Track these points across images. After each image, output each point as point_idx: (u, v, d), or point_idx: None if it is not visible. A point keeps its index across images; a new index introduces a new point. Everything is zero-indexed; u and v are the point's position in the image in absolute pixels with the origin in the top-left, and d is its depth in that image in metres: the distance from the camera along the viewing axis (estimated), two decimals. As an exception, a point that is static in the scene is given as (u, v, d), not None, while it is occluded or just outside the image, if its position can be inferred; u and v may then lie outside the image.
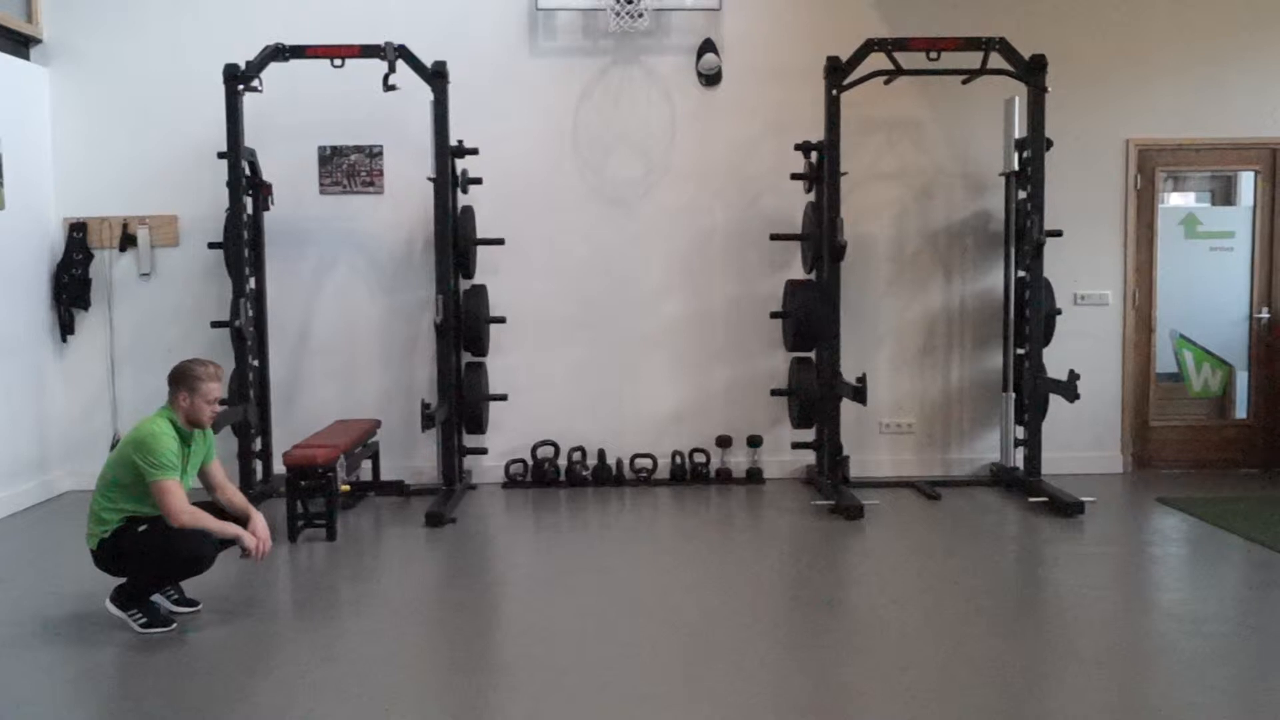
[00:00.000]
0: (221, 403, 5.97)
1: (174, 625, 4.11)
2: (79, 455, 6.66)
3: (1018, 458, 6.46)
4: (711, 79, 6.70)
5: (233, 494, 4.36)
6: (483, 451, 6.63)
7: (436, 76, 6.00)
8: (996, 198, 6.71)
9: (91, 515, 4.13)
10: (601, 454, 6.67)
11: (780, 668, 3.76)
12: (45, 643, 4.03)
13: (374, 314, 6.72)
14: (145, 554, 4.06)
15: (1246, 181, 7.09)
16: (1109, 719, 3.33)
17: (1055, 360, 6.26)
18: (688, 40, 6.68)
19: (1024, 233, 6.30)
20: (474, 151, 6.34)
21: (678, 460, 6.69)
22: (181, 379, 4.19)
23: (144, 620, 4.08)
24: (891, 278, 6.80)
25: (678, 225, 6.75)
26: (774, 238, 6.59)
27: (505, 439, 6.72)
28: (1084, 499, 5.79)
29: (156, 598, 4.20)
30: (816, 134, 6.29)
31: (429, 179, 6.09)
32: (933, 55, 6.03)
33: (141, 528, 4.08)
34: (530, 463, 6.66)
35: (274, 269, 6.60)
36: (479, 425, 6.50)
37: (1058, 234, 6.32)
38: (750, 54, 6.69)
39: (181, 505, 4.02)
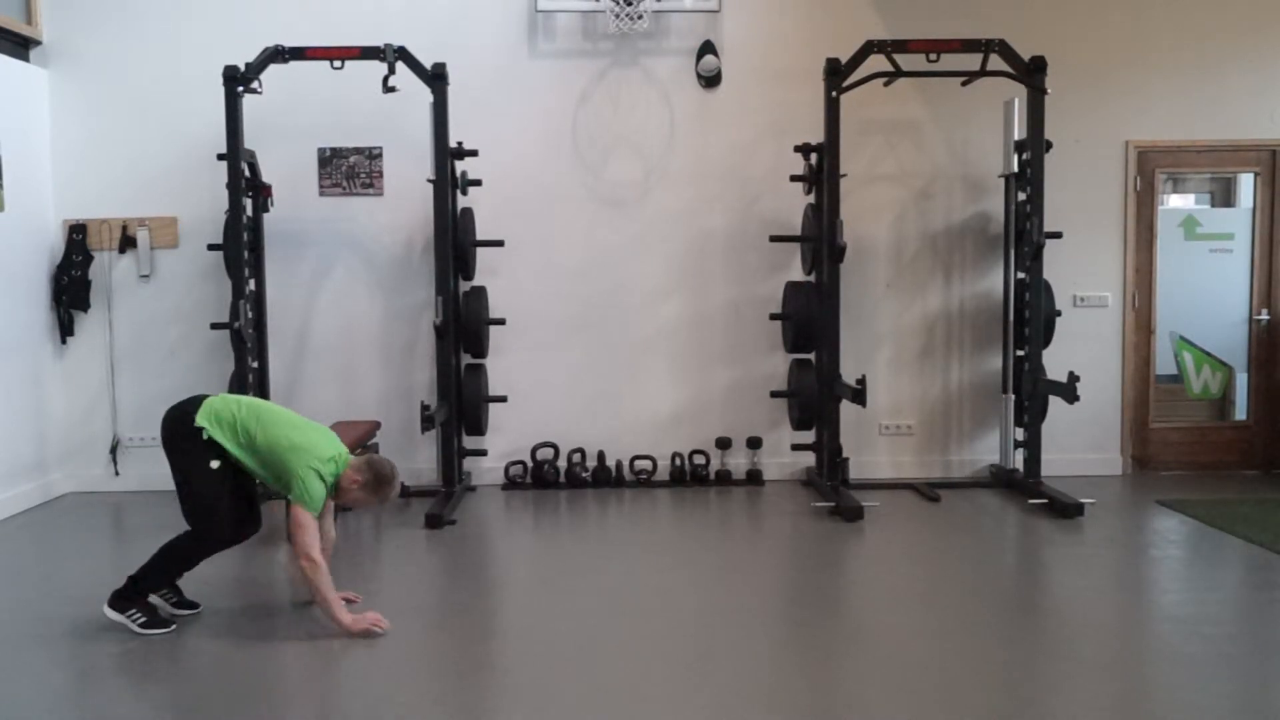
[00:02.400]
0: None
1: (174, 626, 4.11)
2: (78, 457, 6.67)
3: (1017, 459, 6.46)
4: (711, 80, 6.70)
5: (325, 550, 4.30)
6: (482, 453, 6.63)
7: (436, 78, 6.01)
8: (996, 199, 6.71)
9: (215, 413, 4.05)
10: (601, 456, 6.67)
11: (780, 669, 3.76)
12: (44, 645, 4.03)
13: (373, 315, 6.72)
14: (198, 492, 4.04)
15: (1246, 183, 7.09)
16: (1108, 721, 3.33)
17: (1055, 362, 6.26)
18: (687, 42, 6.68)
19: (1023, 234, 6.31)
20: (473, 153, 6.35)
21: (677, 462, 6.69)
22: (378, 480, 4.09)
23: (143, 620, 4.07)
24: (891, 279, 6.80)
25: (677, 227, 6.75)
26: (773, 239, 6.59)
27: (505, 441, 6.73)
28: (1083, 500, 5.79)
29: (154, 600, 4.19)
30: (816, 136, 6.30)
31: (428, 180, 6.10)
32: (932, 57, 6.03)
33: (215, 464, 4.03)
34: (530, 464, 6.66)
35: (273, 271, 6.60)
36: (478, 427, 6.50)
37: (1057, 236, 6.32)
38: (750, 56, 6.70)
39: (312, 543, 3.95)
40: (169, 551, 4.13)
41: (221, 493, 4.07)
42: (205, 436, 4.04)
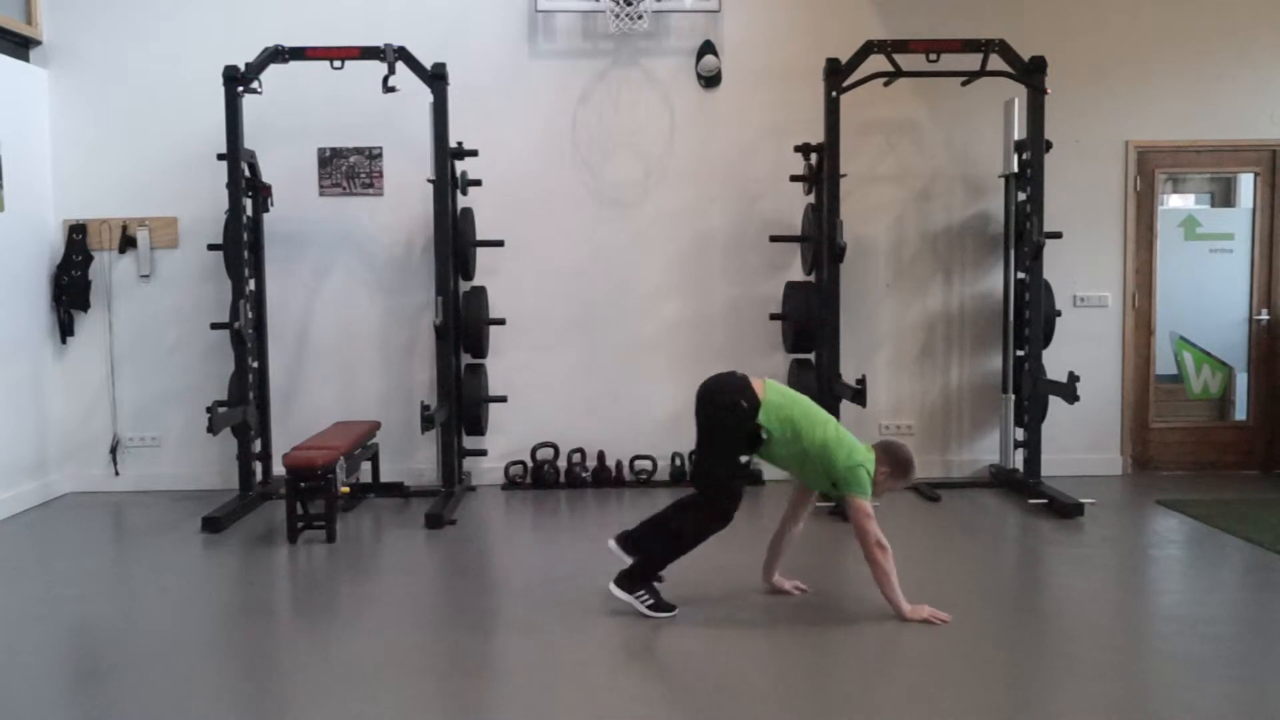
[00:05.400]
0: (220, 404, 6.02)
1: (676, 610, 4.14)
2: (79, 457, 6.67)
3: (1017, 459, 6.45)
4: (711, 80, 6.71)
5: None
6: (482, 453, 6.63)
7: (436, 78, 6.01)
8: (996, 199, 6.71)
9: (770, 407, 4.10)
10: (601, 455, 6.67)
11: (779, 669, 3.76)
12: (41, 646, 4.03)
13: (373, 315, 6.72)
14: (722, 472, 4.12)
15: (1246, 183, 7.09)
16: (1108, 721, 3.33)
17: (1055, 362, 6.25)
18: (687, 42, 6.68)
19: (1023, 234, 6.31)
20: (473, 153, 6.35)
21: (677, 462, 6.69)
22: (902, 465, 4.19)
23: (651, 602, 4.13)
24: (891, 279, 6.80)
25: (677, 227, 6.75)
26: (773, 239, 6.59)
27: (505, 441, 6.72)
28: (1083, 500, 5.79)
29: (627, 599, 4.19)
30: (816, 136, 6.30)
31: (428, 181, 6.09)
32: (932, 57, 6.03)
33: (745, 459, 4.14)
34: (530, 464, 6.66)
35: (273, 271, 6.60)
36: (478, 427, 6.50)
37: (1057, 236, 6.32)
38: (750, 55, 6.70)
39: (878, 530, 4.05)
40: (669, 528, 4.21)
41: (739, 479, 4.16)
42: (761, 431, 4.09)
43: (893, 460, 4.18)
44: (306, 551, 5.26)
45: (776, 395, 4.17)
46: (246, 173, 6.20)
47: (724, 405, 4.13)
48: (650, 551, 4.20)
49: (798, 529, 4.44)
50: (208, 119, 6.21)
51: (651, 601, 4.14)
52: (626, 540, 4.27)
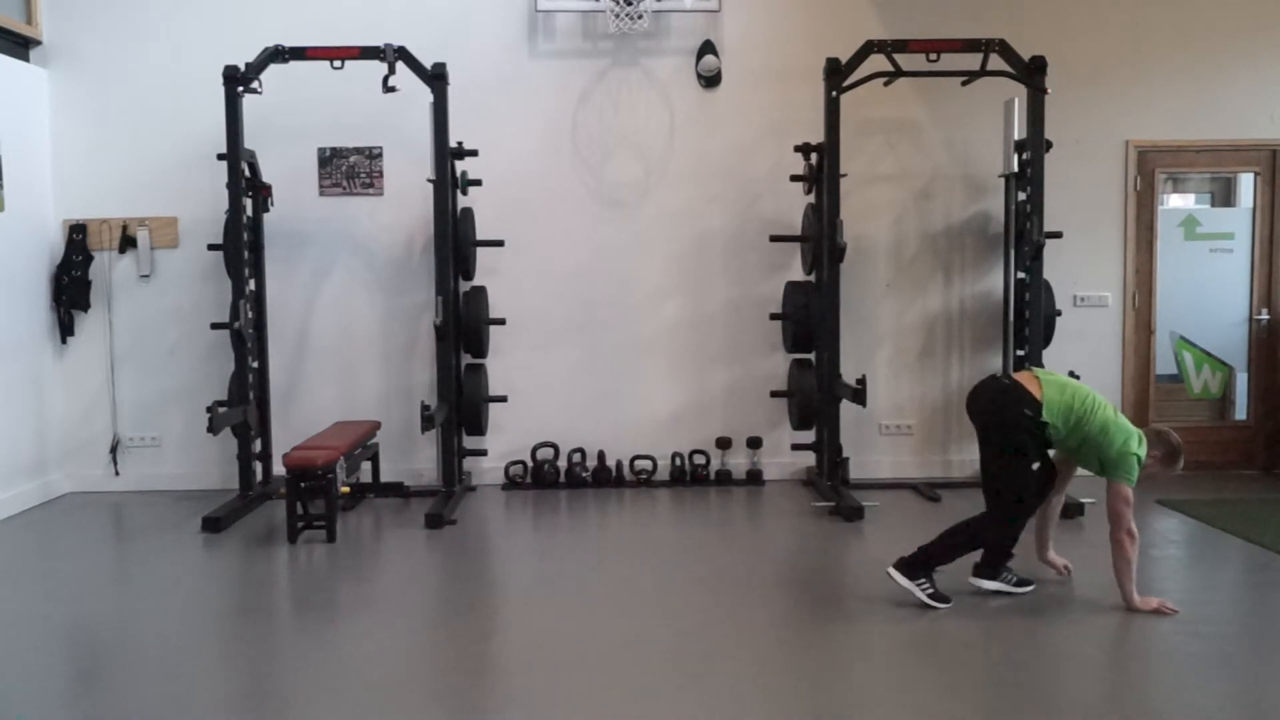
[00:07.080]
0: (220, 404, 6.02)
1: (951, 602, 4.20)
2: (78, 457, 6.67)
3: (1017, 459, 6.45)
4: (711, 80, 6.71)
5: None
6: (482, 453, 6.63)
7: (436, 78, 6.01)
8: (996, 199, 6.71)
9: (1051, 404, 4.17)
10: (601, 455, 6.67)
11: (780, 669, 3.76)
12: (41, 646, 4.03)
13: (373, 315, 6.72)
14: (1016, 484, 4.22)
15: (1246, 183, 7.09)
16: (1108, 721, 3.33)
17: (1055, 362, 6.24)
18: (687, 42, 6.68)
19: (1024, 234, 6.30)
20: (473, 153, 6.35)
21: (677, 462, 6.69)
22: (1174, 453, 4.34)
23: (930, 591, 4.21)
24: (891, 279, 6.80)
25: (677, 227, 6.75)
26: (773, 239, 6.59)
27: (505, 441, 6.72)
28: (1083, 500, 5.78)
29: (993, 585, 4.32)
30: (816, 136, 6.30)
31: (428, 180, 6.09)
32: (932, 57, 6.02)
33: (1036, 465, 4.22)
34: (530, 464, 6.66)
35: (273, 270, 6.60)
36: (478, 427, 6.50)
37: (1057, 235, 6.32)
38: (750, 55, 6.70)
39: (1131, 517, 4.13)
40: (964, 530, 4.29)
41: (1031, 488, 4.26)
42: (1046, 431, 4.19)
43: (1165, 447, 4.31)
44: (306, 551, 5.26)
45: (1054, 391, 4.24)
46: (246, 173, 6.21)
47: (1011, 422, 4.21)
48: (988, 550, 4.35)
49: (1060, 499, 4.54)
50: (208, 119, 6.22)
51: (931, 591, 4.21)
52: (907, 565, 4.29)
